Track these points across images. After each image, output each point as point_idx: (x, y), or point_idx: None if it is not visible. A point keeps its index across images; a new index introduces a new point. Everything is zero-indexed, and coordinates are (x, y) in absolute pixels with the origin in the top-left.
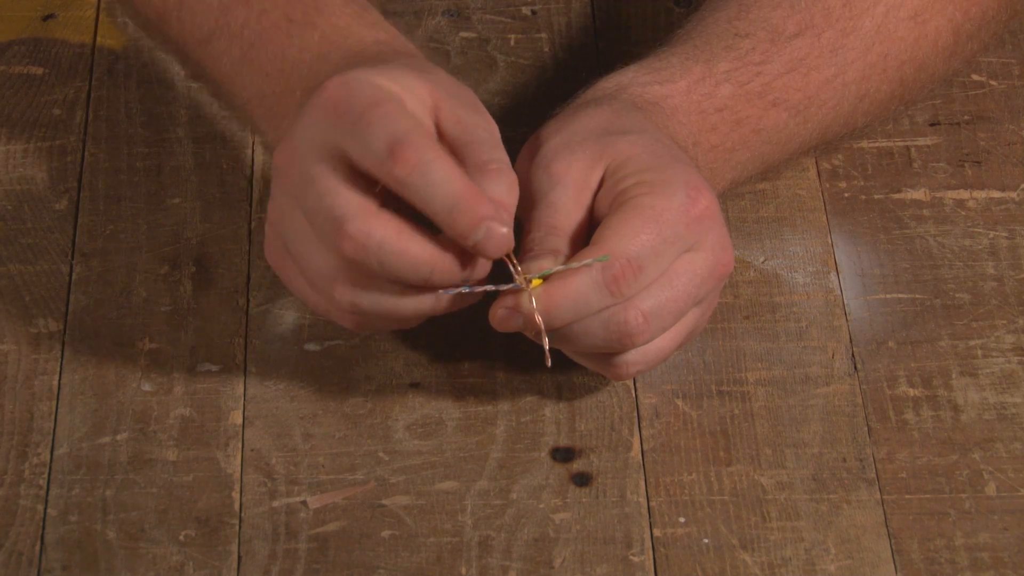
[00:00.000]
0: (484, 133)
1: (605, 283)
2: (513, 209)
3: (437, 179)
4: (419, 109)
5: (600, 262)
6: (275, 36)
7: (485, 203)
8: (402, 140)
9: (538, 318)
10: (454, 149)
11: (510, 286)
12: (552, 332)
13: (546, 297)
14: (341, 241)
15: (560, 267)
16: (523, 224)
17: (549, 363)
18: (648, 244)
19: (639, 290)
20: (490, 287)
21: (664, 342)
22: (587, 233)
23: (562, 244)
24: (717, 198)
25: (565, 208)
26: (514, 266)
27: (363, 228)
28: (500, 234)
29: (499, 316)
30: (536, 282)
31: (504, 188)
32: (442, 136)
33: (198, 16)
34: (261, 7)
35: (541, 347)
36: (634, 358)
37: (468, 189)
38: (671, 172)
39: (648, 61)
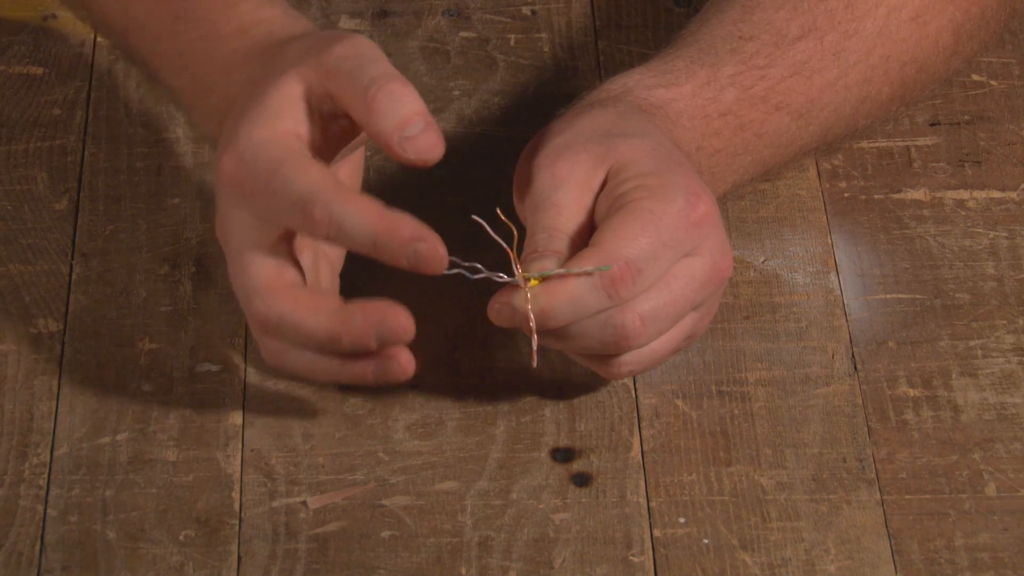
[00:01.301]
0: (350, 65)
1: (603, 286)
2: (425, 111)
3: (351, 225)
4: (301, 115)
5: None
6: (168, 37)
7: (403, 228)
8: (308, 200)
9: (531, 318)
10: (344, 102)
11: (509, 279)
12: (549, 332)
13: (544, 297)
14: (249, 316)
15: (560, 270)
16: (526, 224)
17: (535, 363)
18: (647, 248)
19: (637, 294)
20: (487, 272)
21: (659, 344)
22: (588, 234)
23: (564, 246)
24: (717, 203)
25: (569, 210)
26: (515, 263)
27: (264, 306)
28: (428, 254)
29: (495, 310)
30: (535, 282)
31: (400, 104)
32: (333, 99)
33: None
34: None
35: (542, 347)
36: (628, 359)
37: (382, 221)
38: (671, 177)
39: (653, 64)
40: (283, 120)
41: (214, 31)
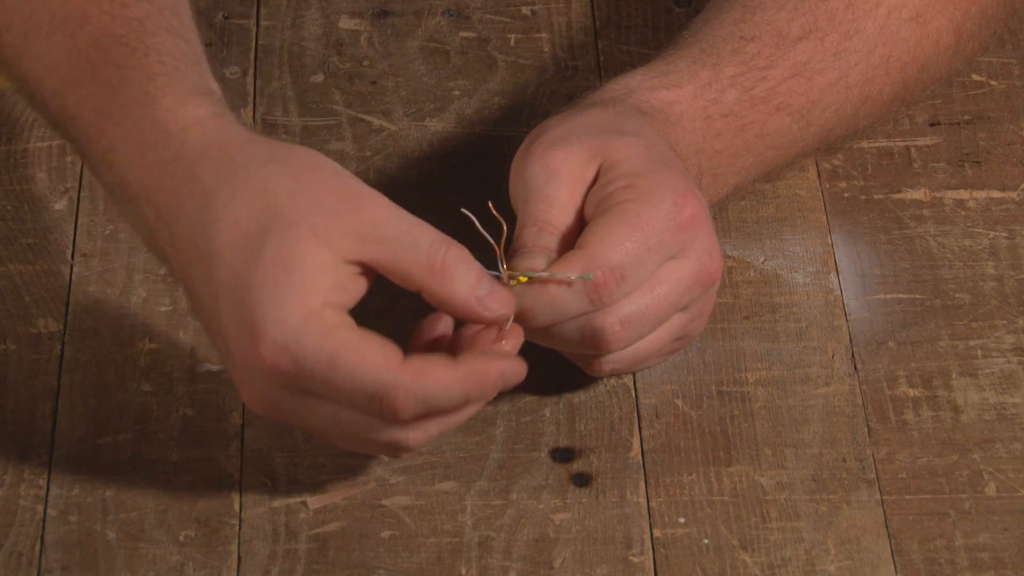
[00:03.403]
0: (394, 232)
1: (586, 291)
2: (481, 267)
3: (441, 400)
4: (332, 281)
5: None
6: (95, 133)
7: (491, 376)
8: (385, 392)
9: (510, 319)
10: (394, 270)
11: (492, 274)
12: (529, 330)
13: (526, 298)
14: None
15: (544, 273)
16: (516, 214)
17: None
18: (632, 252)
19: (620, 298)
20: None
21: (644, 344)
22: (578, 227)
23: (554, 241)
24: (707, 204)
25: (560, 203)
26: (501, 260)
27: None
28: (517, 378)
29: None
30: (523, 278)
31: (469, 267)
32: (374, 266)
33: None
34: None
35: (541, 348)
36: (610, 358)
37: (468, 379)
38: (660, 177)
39: (655, 64)
40: (314, 292)
41: (136, 133)
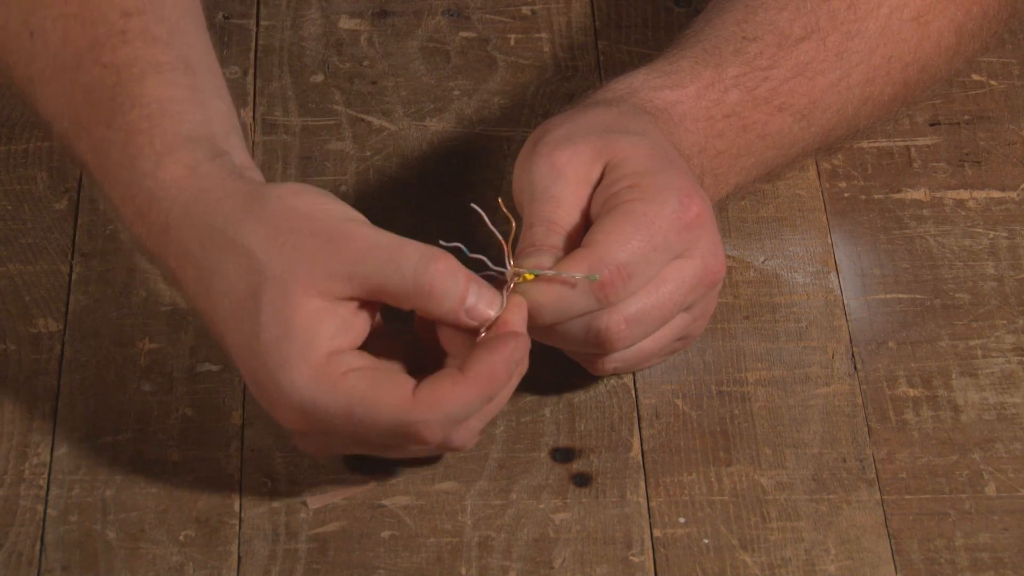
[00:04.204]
0: (376, 260)
1: (593, 289)
2: (467, 273)
3: (463, 414)
4: (333, 326)
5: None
6: (101, 191)
7: (500, 377)
8: (407, 428)
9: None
10: (386, 295)
11: (499, 270)
12: (534, 328)
13: (533, 296)
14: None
15: (550, 272)
16: (522, 215)
17: None
18: (638, 251)
19: (625, 297)
20: (484, 259)
21: (646, 344)
22: (584, 227)
23: (561, 240)
24: (711, 204)
25: (566, 202)
26: (508, 257)
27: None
28: (525, 366)
29: None
30: (529, 276)
31: (454, 280)
32: (369, 299)
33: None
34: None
35: (541, 348)
36: (613, 356)
37: (486, 386)
38: (665, 177)
39: (658, 64)
40: (317, 344)
41: (129, 197)
